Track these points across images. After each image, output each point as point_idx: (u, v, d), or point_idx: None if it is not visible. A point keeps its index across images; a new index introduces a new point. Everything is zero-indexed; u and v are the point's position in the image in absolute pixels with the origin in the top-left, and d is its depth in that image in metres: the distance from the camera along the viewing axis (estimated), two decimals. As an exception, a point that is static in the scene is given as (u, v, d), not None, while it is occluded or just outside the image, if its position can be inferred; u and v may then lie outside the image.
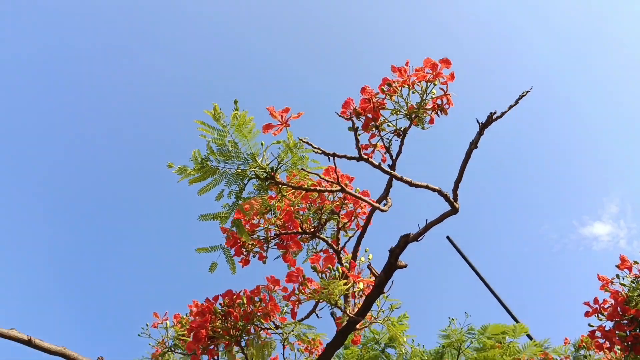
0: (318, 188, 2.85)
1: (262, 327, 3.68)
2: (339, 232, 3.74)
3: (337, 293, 3.10)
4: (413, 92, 3.15)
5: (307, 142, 2.47)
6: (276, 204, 2.96)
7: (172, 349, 5.54)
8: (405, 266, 2.98)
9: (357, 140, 2.61)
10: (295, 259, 3.70)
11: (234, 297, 3.58)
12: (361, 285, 3.23)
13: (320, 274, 3.15)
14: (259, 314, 3.53)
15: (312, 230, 3.55)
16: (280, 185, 2.68)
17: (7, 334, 2.85)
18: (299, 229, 3.56)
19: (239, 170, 2.53)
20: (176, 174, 2.52)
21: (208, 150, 2.46)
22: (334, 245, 3.68)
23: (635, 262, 4.47)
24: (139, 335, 5.60)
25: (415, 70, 3.16)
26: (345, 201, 3.67)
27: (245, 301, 3.51)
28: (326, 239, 3.65)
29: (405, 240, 2.81)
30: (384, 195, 3.12)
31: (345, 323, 3.37)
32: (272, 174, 2.61)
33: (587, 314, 4.65)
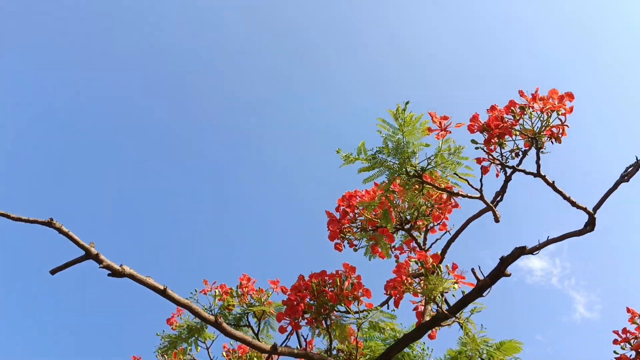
0: (459, 192, 3.10)
1: (341, 310, 3.93)
2: (426, 232, 3.99)
3: (439, 290, 3.36)
4: (531, 118, 3.43)
5: (485, 148, 2.72)
6: (414, 199, 3.20)
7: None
8: (509, 275, 3.26)
9: (538, 157, 2.87)
10: (386, 252, 3.95)
11: (326, 278, 3.81)
12: (456, 286, 3.50)
13: (426, 270, 3.40)
14: (349, 297, 3.77)
15: (408, 227, 3.80)
16: (423, 184, 2.92)
17: (144, 281, 3.03)
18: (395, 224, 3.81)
19: (398, 166, 2.76)
20: (342, 159, 2.74)
21: (384, 144, 2.69)
22: (421, 245, 3.94)
23: (668, 302, 4.87)
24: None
25: (542, 99, 3.44)
26: (436, 205, 3.93)
27: (338, 283, 3.74)
28: (416, 237, 3.90)
29: (521, 252, 3.08)
30: (493, 207, 3.39)
31: (430, 318, 3.63)
32: (421, 172, 2.85)
33: (615, 342, 5.02)
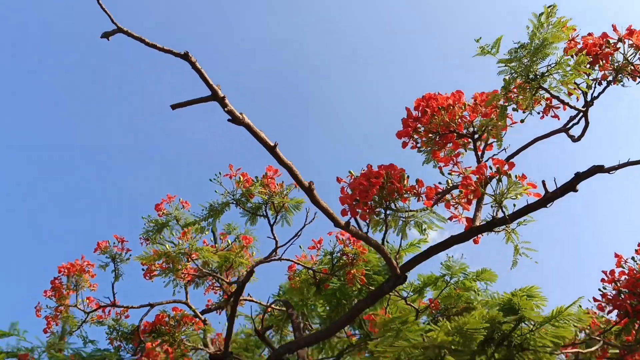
0: (569, 103, 3.30)
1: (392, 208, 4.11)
2: (485, 147, 4.21)
3: (510, 195, 3.59)
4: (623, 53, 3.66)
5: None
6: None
7: (237, 202, 5.82)
8: (577, 191, 3.54)
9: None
10: (447, 157, 4.14)
11: (393, 171, 3.95)
12: (520, 195, 3.75)
13: (500, 175, 3.62)
14: (411, 192, 3.95)
15: (476, 138, 3.99)
16: (537, 90, 3.08)
17: (258, 134, 3.04)
18: (462, 132, 4.00)
19: (525, 66, 2.89)
20: (478, 49, 2.83)
21: (529, 40, 2.79)
22: (479, 158, 4.15)
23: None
24: (210, 180, 5.81)
25: (636, 36, 3.67)
26: (499, 123, 4.13)
27: (405, 177, 3.90)
28: (477, 147, 4.11)
29: (597, 170, 3.34)
30: (569, 126, 3.61)
31: (483, 223, 3.89)
32: (539, 78, 3.01)
33: (602, 280, 5.63)
